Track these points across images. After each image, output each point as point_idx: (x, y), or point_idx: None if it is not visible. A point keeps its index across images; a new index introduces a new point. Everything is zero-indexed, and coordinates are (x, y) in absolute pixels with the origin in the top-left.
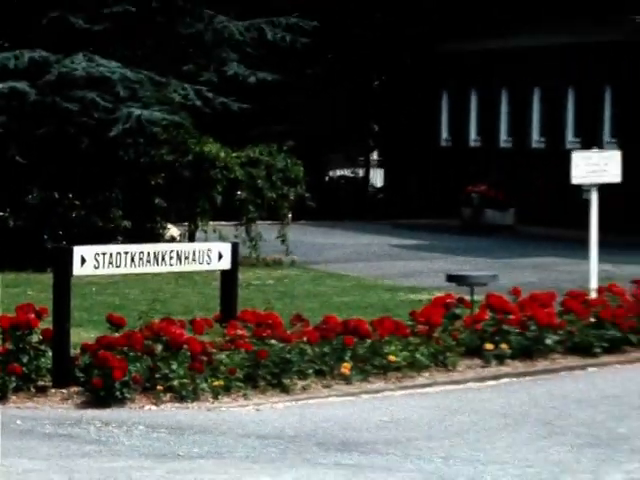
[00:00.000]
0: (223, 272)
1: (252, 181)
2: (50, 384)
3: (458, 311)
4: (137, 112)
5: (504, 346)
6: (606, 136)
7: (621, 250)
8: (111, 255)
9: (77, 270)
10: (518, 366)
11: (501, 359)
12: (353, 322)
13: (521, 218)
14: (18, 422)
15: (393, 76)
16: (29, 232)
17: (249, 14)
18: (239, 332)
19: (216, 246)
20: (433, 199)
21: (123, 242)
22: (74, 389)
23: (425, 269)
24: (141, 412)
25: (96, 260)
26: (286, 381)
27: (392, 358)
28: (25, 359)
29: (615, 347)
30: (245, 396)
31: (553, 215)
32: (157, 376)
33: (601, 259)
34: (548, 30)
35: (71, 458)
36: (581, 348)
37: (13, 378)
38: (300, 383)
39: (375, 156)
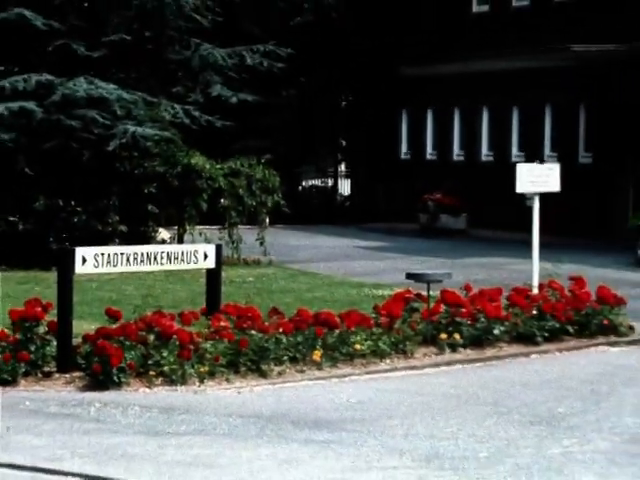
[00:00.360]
0: (208, 270)
1: (234, 190)
2: (55, 370)
3: (416, 305)
4: (132, 129)
5: (457, 336)
6: (547, 150)
7: (561, 250)
8: (109, 255)
9: (79, 269)
10: (469, 354)
11: (454, 347)
12: (323, 315)
13: (472, 223)
14: (27, 403)
15: (359, 97)
16: (36, 235)
17: (231, 42)
18: (222, 324)
19: (202, 247)
20: (394, 206)
21: (119, 244)
22: (76, 374)
23: (387, 268)
24: (135, 394)
25: (95, 260)
26: (264, 367)
27: (358, 347)
28: (33, 348)
29: (555, 336)
30: (228, 380)
31: (501, 220)
32: (150, 363)
33: (542, 258)
34: (496, 57)
35: (73, 435)
36: (525, 337)
37: (22, 364)
38: (276, 369)
39: (343, 168)
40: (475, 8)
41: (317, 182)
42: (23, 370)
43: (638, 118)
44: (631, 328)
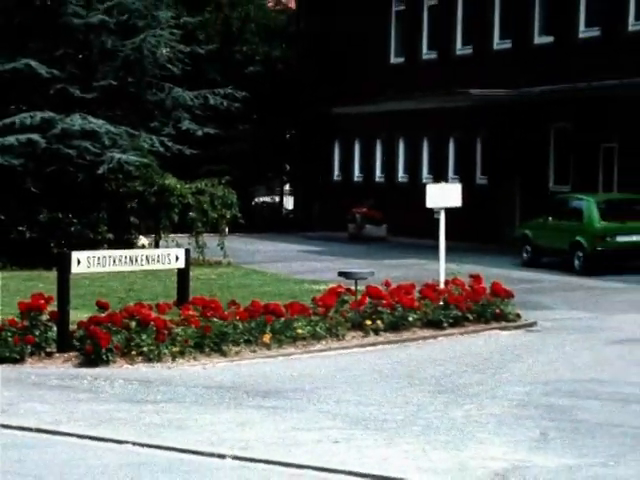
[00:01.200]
0: (179, 270)
1: (199, 205)
2: (55, 350)
3: (346, 297)
4: (117, 156)
5: (379, 322)
6: (450, 173)
7: (462, 253)
8: (99, 258)
9: (74, 269)
10: (389, 336)
11: (377, 331)
12: (271, 305)
13: (391, 231)
14: (32, 377)
15: (301, 131)
16: (40, 241)
17: (197, 86)
18: (191, 313)
19: (174, 251)
20: (329, 218)
21: (107, 249)
22: (72, 354)
23: (323, 268)
24: (120, 370)
25: (88, 261)
26: (224, 347)
27: (299, 331)
28: (37, 332)
29: (457, 322)
30: (195, 358)
31: (414, 229)
32: (132, 344)
33: (448, 260)
34: (409, 99)
35: (70, 403)
36: (433, 323)
37: (28, 346)
38: (234, 349)
39: (287, 187)
40: (393, 60)
41: (266, 199)
42: (29, 350)
43: (523, 148)
44: (518, 316)
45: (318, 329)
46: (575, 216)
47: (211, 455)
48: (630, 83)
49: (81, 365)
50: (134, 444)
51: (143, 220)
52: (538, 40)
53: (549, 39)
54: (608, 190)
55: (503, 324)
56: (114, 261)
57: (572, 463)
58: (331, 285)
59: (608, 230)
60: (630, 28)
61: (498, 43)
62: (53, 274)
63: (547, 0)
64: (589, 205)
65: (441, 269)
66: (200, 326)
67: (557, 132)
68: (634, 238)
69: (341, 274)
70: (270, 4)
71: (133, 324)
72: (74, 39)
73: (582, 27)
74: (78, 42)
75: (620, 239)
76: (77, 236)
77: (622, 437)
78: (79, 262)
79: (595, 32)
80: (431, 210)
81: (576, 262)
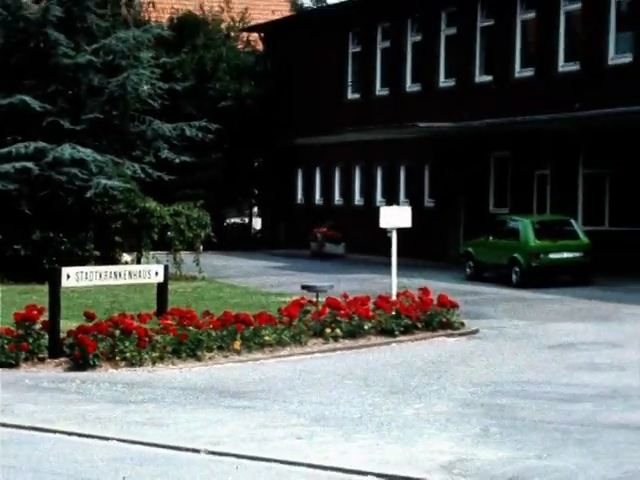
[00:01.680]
0: (158, 284)
1: (177, 225)
2: (47, 356)
3: (308, 308)
4: (103, 182)
5: (338, 330)
6: (401, 197)
7: (412, 269)
8: (86, 273)
9: (64, 283)
10: (347, 343)
11: (336, 338)
12: (241, 315)
13: (349, 249)
14: (27, 381)
15: (267, 159)
16: (33, 258)
17: (175, 119)
18: (169, 322)
19: (154, 267)
20: (293, 237)
21: (94, 265)
22: (62, 359)
23: (287, 281)
24: (106, 374)
25: (77, 276)
26: (199, 353)
27: (267, 338)
28: (31, 340)
29: (408, 330)
30: (173, 363)
31: (369, 247)
32: (116, 350)
33: (399, 275)
34: (364, 131)
35: (61, 403)
36: (386, 331)
37: (23, 352)
38: (208, 354)
39: (255, 209)
40: (349, 96)
41: (237, 220)
42: (24, 356)
43: (466, 175)
44: (462, 324)
45: (283, 336)
46: (513, 235)
47: (187, 450)
48: (560, 118)
49: (70, 369)
50: (118, 440)
51: (126, 239)
52: (479, 79)
53: (488, 78)
54: (541, 212)
55: (449, 332)
56: (100, 276)
57: (510, 456)
58: (295, 297)
59: (541, 248)
60: (560, 69)
61: (443, 81)
62: (45, 287)
63: (487, 43)
64: (525, 226)
65: (393, 283)
66: (177, 334)
67: (496, 161)
68: (564, 255)
69: (304, 287)
70: (240, 46)
71: (117, 332)
72: (64, 77)
73: (518, 68)
74: (68, 80)
75: (552, 256)
76: (67, 253)
77: (554, 432)
78: (68, 277)
79: (529, 72)
80: (384, 230)
81: (513, 276)
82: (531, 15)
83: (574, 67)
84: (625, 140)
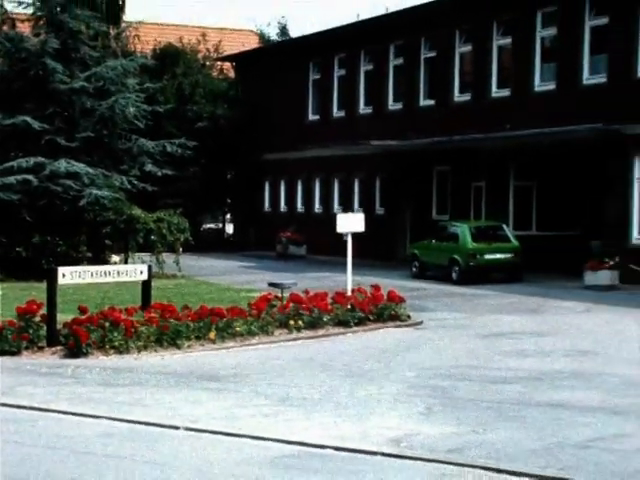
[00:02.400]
0: (143, 281)
1: (159, 230)
2: (45, 345)
3: (274, 302)
4: (95, 192)
5: (300, 322)
6: (356, 205)
7: (365, 268)
8: (80, 272)
9: (61, 281)
10: (308, 333)
11: (298, 329)
12: (216, 309)
13: (310, 251)
14: (27, 366)
15: (238, 173)
16: (33, 259)
17: (158, 137)
18: (152, 315)
19: (139, 267)
20: (261, 240)
21: (87, 265)
22: (59, 348)
23: (256, 279)
24: (97, 360)
25: (72, 275)
26: (179, 342)
27: (238, 329)
28: (31, 330)
29: (361, 322)
30: (156, 351)
31: (328, 249)
32: (106, 340)
33: (354, 273)
34: (323, 148)
35: (57, 386)
36: (343, 322)
37: (24, 342)
38: (187, 343)
39: (228, 216)
40: (310, 117)
41: (212, 225)
42: (24, 345)
43: (411, 186)
44: (409, 316)
45: (252, 327)
46: (452, 239)
47: (168, 427)
48: (493, 137)
49: (66, 357)
50: (108, 418)
51: (115, 242)
52: (423, 103)
53: (431, 102)
54: (477, 219)
55: (397, 323)
56: (92, 274)
57: (450, 431)
58: (263, 293)
59: (478, 250)
60: (493, 95)
61: (392, 105)
62: (44, 285)
63: (429, 72)
64: (463, 230)
65: (348, 280)
66: (160, 325)
67: (438, 174)
68: (497, 256)
69: (270, 284)
70: (214, 74)
71: (107, 324)
72: (61, 100)
73: (456, 93)
74: (64, 103)
75: (487, 257)
76: (63, 255)
77: (488, 410)
78: (64, 275)
79: (467, 97)
80: (341, 234)
81: (453, 274)
82: (468, 48)
83: (505, 93)
84: (548, 156)
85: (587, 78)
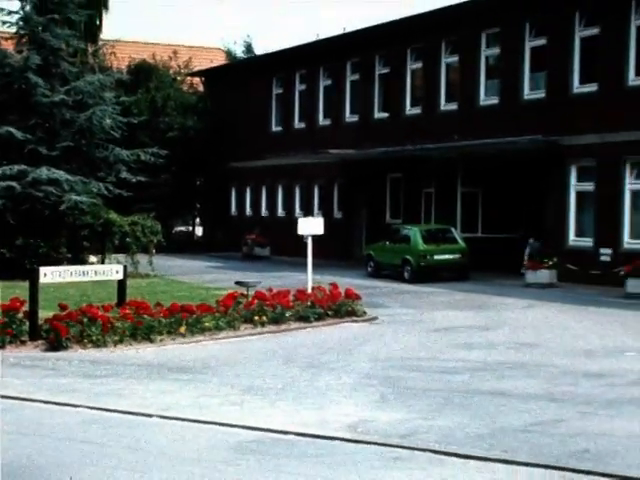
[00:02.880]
0: (119, 280)
1: (134, 233)
2: (28, 339)
3: (240, 300)
4: (74, 198)
5: (264, 317)
6: (315, 210)
7: (324, 268)
8: (60, 272)
9: (42, 280)
10: (272, 328)
11: (263, 324)
12: (186, 305)
13: (274, 252)
14: (11, 359)
15: (207, 179)
16: (17, 260)
17: (132, 146)
18: (127, 311)
19: (115, 266)
20: (228, 242)
21: (66, 265)
22: (40, 342)
23: (224, 278)
24: (76, 353)
25: (52, 274)
26: (152, 336)
27: (207, 324)
28: (14, 326)
29: (321, 317)
30: (131, 344)
31: (290, 250)
32: (84, 334)
33: (314, 272)
34: (285, 157)
35: (39, 378)
36: (304, 318)
37: (8, 336)
38: (159, 337)
39: (198, 220)
40: (273, 128)
41: (182, 228)
42: (9, 340)
43: (367, 192)
44: (364, 312)
45: (220, 323)
46: (405, 241)
47: (142, 415)
48: (442, 147)
49: (47, 350)
50: (86, 407)
51: (93, 244)
52: (377, 115)
53: (385, 115)
54: (428, 222)
55: (354, 318)
56: (71, 274)
57: (403, 417)
58: (230, 291)
59: (428, 251)
60: (442, 108)
61: (348, 117)
62: (26, 284)
63: (384, 87)
64: (414, 233)
65: (309, 279)
66: (134, 321)
67: (392, 181)
68: (446, 256)
69: (237, 283)
70: (185, 88)
71: (85, 320)
72: (42, 112)
73: (408, 107)
74: (45, 115)
75: (436, 257)
76: (44, 256)
77: (438, 398)
78: (45, 275)
79: (417, 110)
80: (302, 236)
81: (406, 274)
82: (419, 65)
83: (453, 107)
84: (493, 165)
85: (527, 93)
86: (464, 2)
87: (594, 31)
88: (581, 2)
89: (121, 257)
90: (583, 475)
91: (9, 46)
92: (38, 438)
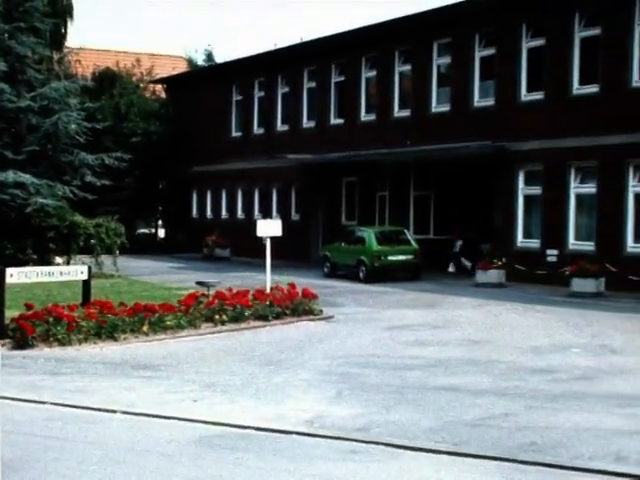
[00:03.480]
0: (83, 281)
1: (98, 235)
2: None
3: (201, 299)
4: (40, 201)
5: (224, 316)
6: (274, 212)
7: (282, 268)
8: (26, 273)
9: (8, 280)
10: (231, 326)
11: (223, 323)
12: (149, 305)
13: (234, 253)
14: None
15: (169, 183)
16: None
17: (97, 151)
18: (92, 310)
19: (80, 267)
20: (189, 243)
21: (32, 266)
22: (7, 340)
23: (185, 278)
24: (42, 352)
25: (19, 275)
26: (116, 335)
27: (169, 323)
28: None
29: (279, 316)
30: (95, 343)
31: (249, 251)
32: (50, 333)
33: (272, 273)
34: (245, 161)
35: (6, 375)
36: (262, 317)
37: None
38: (123, 336)
39: (160, 222)
40: (233, 134)
41: (145, 230)
42: None
43: (324, 194)
44: (321, 311)
45: (182, 321)
46: (360, 242)
47: (106, 411)
48: (395, 152)
49: (13, 349)
50: (52, 404)
51: (58, 245)
52: (333, 121)
53: (341, 121)
54: (382, 224)
55: (311, 317)
56: (37, 274)
57: (358, 412)
58: (191, 291)
59: (382, 252)
60: (395, 115)
61: (306, 123)
62: None
63: (339, 94)
64: (369, 235)
65: (267, 279)
66: (98, 320)
67: (347, 184)
68: (399, 257)
69: (198, 283)
70: (148, 94)
71: (51, 319)
72: (9, 118)
73: (363, 113)
74: (12, 120)
75: (390, 258)
76: (10, 257)
77: (392, 393)
78: (12, 275)
79: (372, 117)
80: (261, 238)
81: (360, 274)
82: (373, 74)
83: (406, 113)
84: (443, 169)
85: (477, 101)
86: (416, 13)
87: (540, 42)
88: (527, 14)
89: (86, 258)
90: (530, 466)
91: None
92: (4, 434)
